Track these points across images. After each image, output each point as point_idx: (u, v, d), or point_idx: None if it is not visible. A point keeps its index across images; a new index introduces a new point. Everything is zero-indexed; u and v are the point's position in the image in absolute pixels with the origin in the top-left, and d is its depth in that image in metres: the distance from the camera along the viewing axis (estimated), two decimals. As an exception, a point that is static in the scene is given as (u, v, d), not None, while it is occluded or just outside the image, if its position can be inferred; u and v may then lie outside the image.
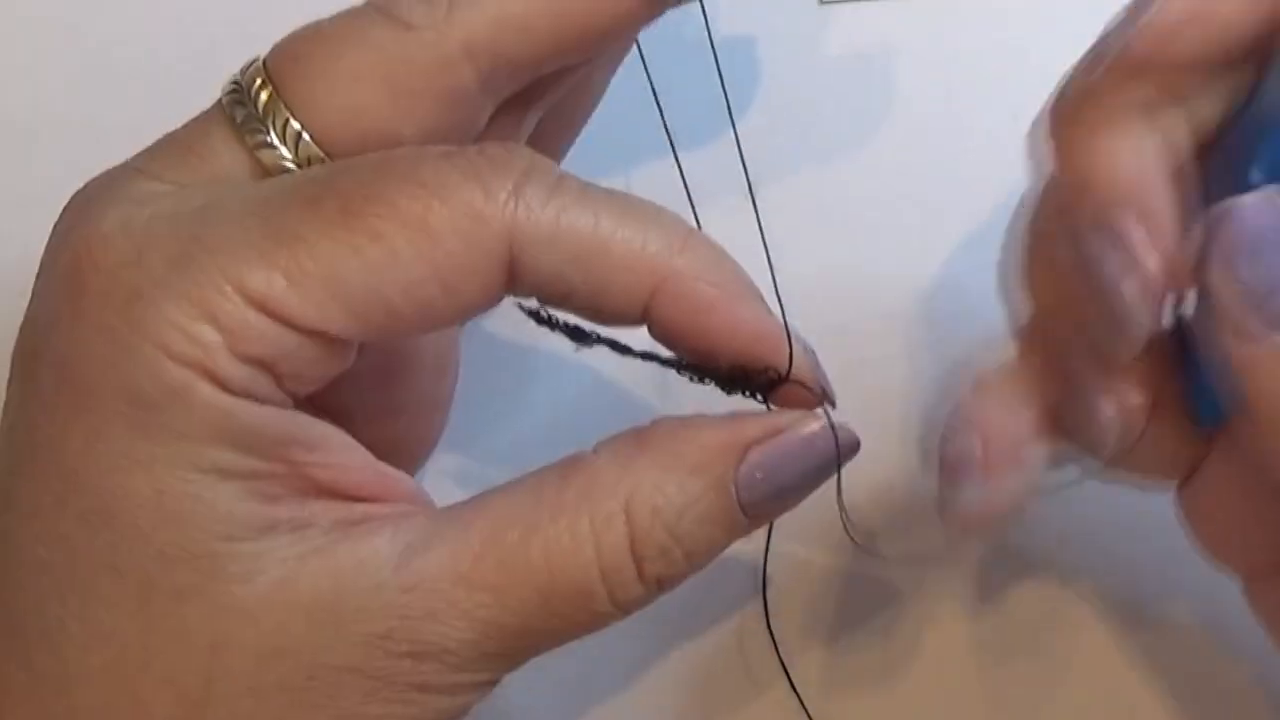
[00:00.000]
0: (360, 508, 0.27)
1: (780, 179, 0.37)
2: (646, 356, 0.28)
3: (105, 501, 0.25)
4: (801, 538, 0.35)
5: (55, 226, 0.27)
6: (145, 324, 0.25)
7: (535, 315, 0.28)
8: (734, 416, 0.28)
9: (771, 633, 0.34)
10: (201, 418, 0.25)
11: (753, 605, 0.35)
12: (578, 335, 0.28)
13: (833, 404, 0.29)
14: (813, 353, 0.29)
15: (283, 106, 0.27)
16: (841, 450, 0.28)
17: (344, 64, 0.27)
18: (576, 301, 0.27)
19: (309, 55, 0.28)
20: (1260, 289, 0.25)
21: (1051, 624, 0.35)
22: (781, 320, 0.28)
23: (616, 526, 0.27)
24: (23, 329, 0.27)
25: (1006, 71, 0.37)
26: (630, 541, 0.27)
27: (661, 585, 0.27)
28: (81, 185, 0.28)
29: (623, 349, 0.28)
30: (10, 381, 0.27)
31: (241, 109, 0.27)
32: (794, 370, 0.28)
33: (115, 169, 0.28)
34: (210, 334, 0.25)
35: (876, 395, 0.34)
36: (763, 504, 0.28)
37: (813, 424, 0.28)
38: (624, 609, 0.27)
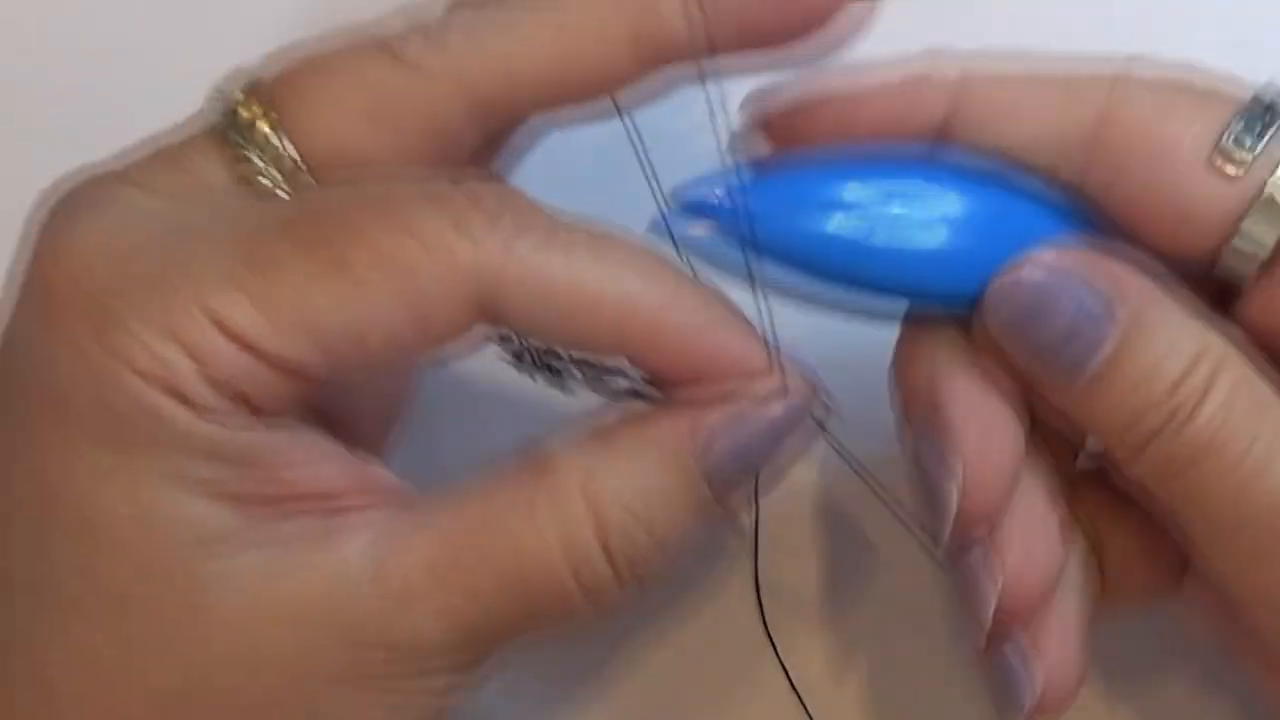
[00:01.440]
0: (334, 509, 0.27)
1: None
2: (634, 395, 0.29)
3: (84, 517, 0.25)
4: (799, 538, 0.35)
5: (36, 231, 0.27)
6: (119, 347, 0.25)
7: (516, 358, 0.29)
8: (689, 403, 0.28)
9: (770, 633, 0.34)
10: (175, 435, 0.25)
11: (752, 604, 0.35)
12: (550, 376, 0.29)
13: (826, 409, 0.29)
14: (802, 364, 0.29)
15: (270, 128, 0.27)
16: (799, 414, 0.28)
17: (335, 93, 0.28)
18: (551, 337, 0.27)
19: (304, 82, 0.28)
20: (1052, 344, 0.27)
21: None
22: (764, 332, 0.28)
23: (584, 522, 0.27)
24: (1, 343, 0.27)
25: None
26: (595, 529, 0.27)
27: (635, 570, 0.27)
28: (59, 182, 0.28)
29: (595, 378, 0.29)
30: None
31: (230, 125, 0.28)
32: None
33: (99, 176, 0.28)
34: (182, 359, 0.25)
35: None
36: (729, 479, 0.28)
37: (771, 400, 0.28)
38: (598, 604, 0.27)
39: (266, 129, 0.27)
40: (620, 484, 0.27)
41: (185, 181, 0.27)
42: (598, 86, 0.29)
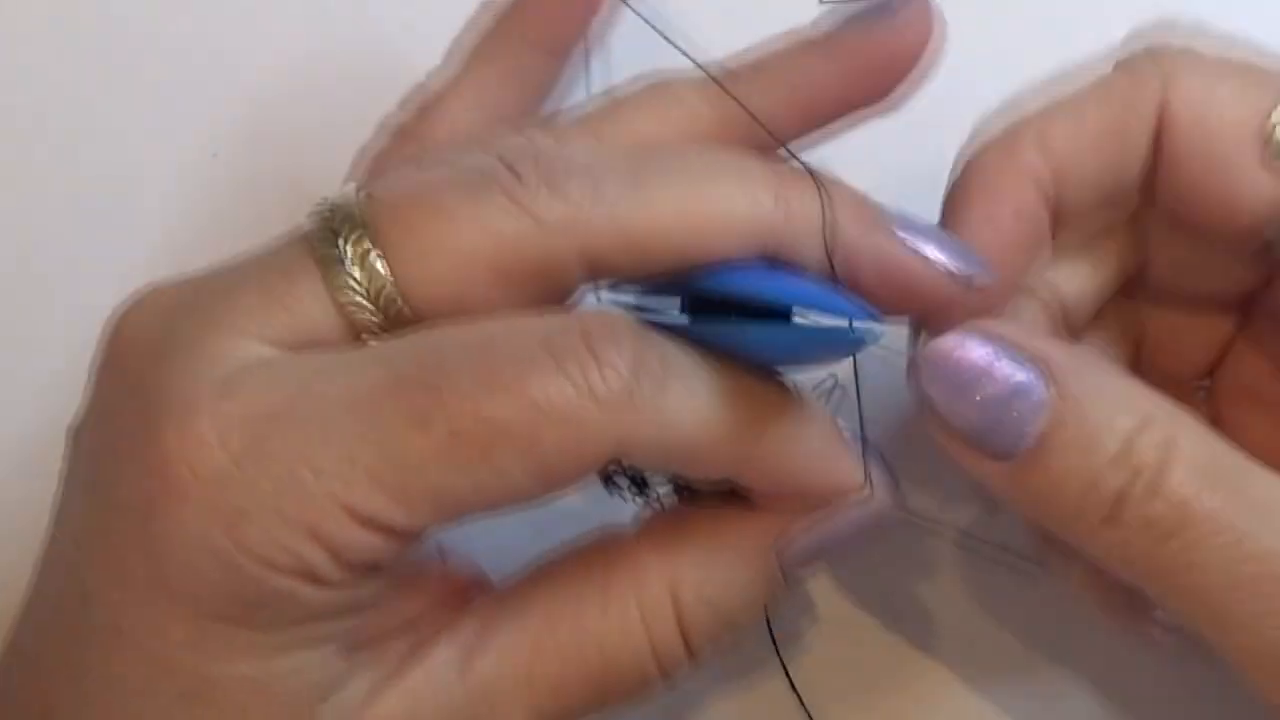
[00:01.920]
0: (425, 631, 0.27)
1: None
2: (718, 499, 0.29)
3: (205, 685, 0.25)
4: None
5: (129, 365, 0.26)
6: (252, 545, 0.24)
7: (605, 481, 0.29)
8: (767, 503, 0.29)
9: (771, 633, 0.34)
10: (304, 609, 0.25)
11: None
12: (642, 494, 0.30)
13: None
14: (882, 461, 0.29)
15: (382, 271, 0.26)
16: (879, 519, 0.29)
17: (457, 243, 0.26)
18: (665, 473, 0.28)
19: (422, 227, 0.26)
20: (990, 417, 0.27)
21: (1055, 622, 0.35)
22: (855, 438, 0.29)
23: (665, 614, 0.28)
24: (91, 490, 0.26)
25: (1007, 71, 0.37)
26: (680, 627, 0.28)
27: (709, 653, 0.29)
28: (144, 296, 0.27)
29: (689, 496, 0.30)
30: (74, 531, 0.26)
31: (333, 258, 0.26)
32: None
33: (197, 309, 0.26)
34: (316, 550, 0.25)
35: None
36: (802, 571, 0.29)
37: (858, 510, 0.29)
38: (672, 681, 0.29)
39: (376, 267, 0.26)
40: (704, 580, 0.28)
41: (288, 321, 0.26)
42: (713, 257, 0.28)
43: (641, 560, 0.28)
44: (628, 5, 0.34)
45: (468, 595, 0.28)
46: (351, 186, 0.27)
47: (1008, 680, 0.34)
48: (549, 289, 0.27)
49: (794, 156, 0.29)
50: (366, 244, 0.26)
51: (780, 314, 0.26)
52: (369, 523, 0.25)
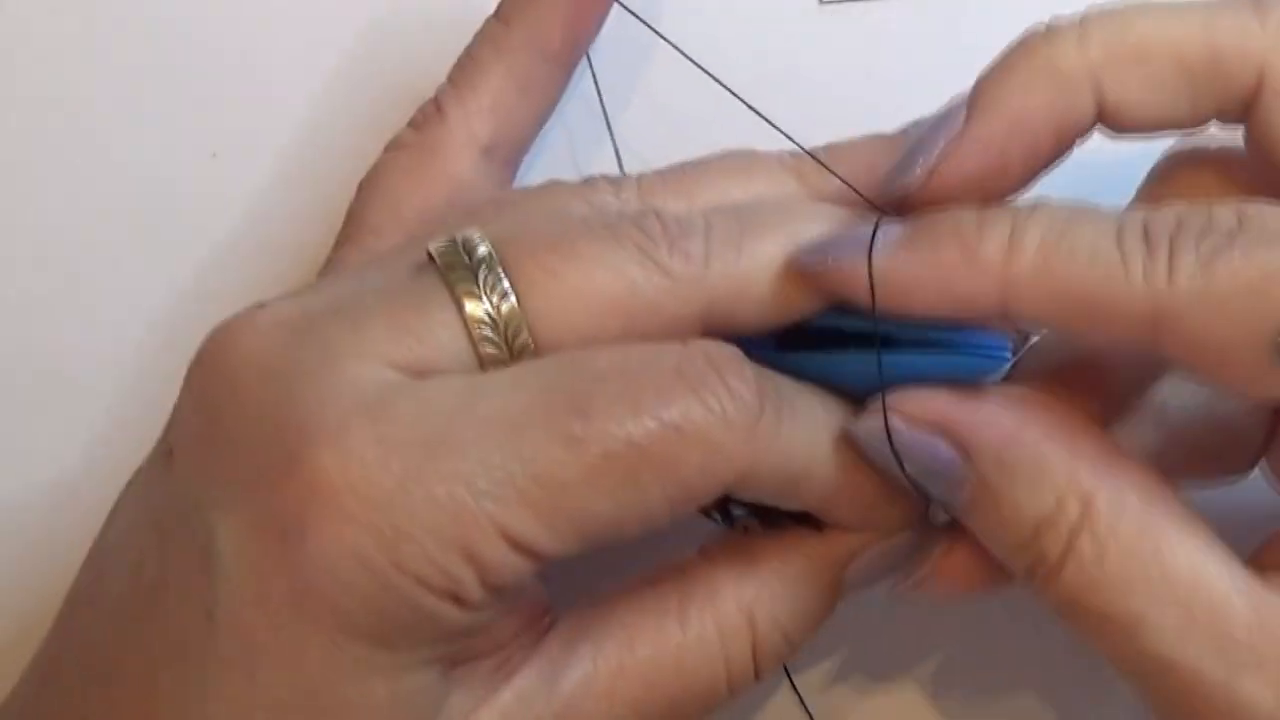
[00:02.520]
0: (511, 649, 0.28)
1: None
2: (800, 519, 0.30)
3: (340, 707, 0.26)
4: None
5: (252, 385, 0.26)
6: (410, 563, 0.25)
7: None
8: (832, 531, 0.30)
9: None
10: (442, 629, 0.26)
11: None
12: (726, 519, 0.30)
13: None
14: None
15: (515, 305, 0.27)
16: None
17: (595, 291, 0.27)
18: (767, 501, 0.29)
19: (562, 272, 0.27)
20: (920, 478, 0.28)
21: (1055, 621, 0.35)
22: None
23: (741, 636, 0.29)
24: (213, 498, 0.26)
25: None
26: (753, 648, 0.29)
27: (770, 670, 0.30)
28: (248, 321, 0.27)
29: (769, 519, 0.30)
30: (184, 543, 0.26)
31: (470, 289, 0.27)
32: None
33: (322, 331, 0.27)
34: (468, 571, 0.25)
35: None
36: (858, 590, 0.31)
37: (906, 535, 0.30)
38: (737, 698, 0.30)
39: (514, 309, 0.27)
40: (777, 603, 0.29)
41: (421, 354, 0.27)
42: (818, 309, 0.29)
43: (717, 582, 0.29)
44: (625, 8, 0.34)
45: (545, 619, 0.29)
46: (473, 229, 0.28)
47: (1011, 678, 0.34)
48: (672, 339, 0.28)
49: (873, 205, 0.30)
50: (503, 278, 0.27)
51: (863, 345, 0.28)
52: (519, 545, 0.25)
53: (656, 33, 0.34)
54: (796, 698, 0.34)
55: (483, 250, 0.27)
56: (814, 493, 0.29)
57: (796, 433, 0.28)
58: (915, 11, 0.37)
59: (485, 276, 0.27)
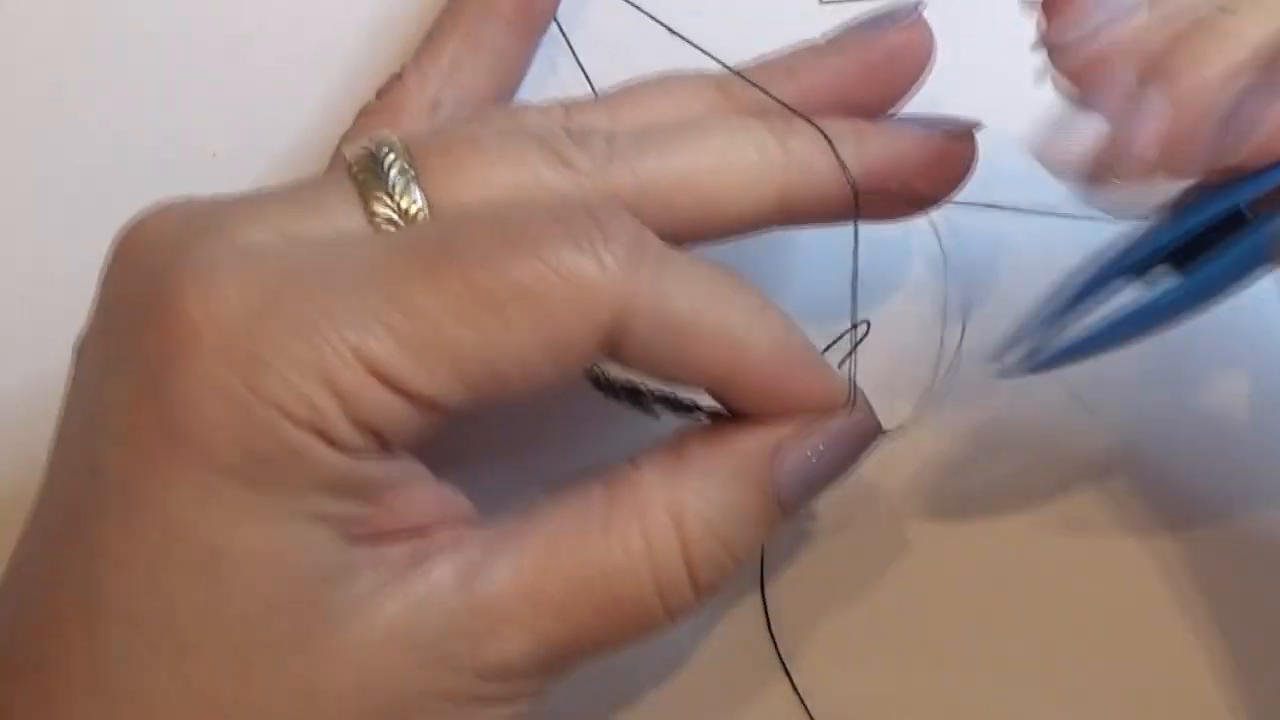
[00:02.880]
0: (425, 543, 0.27)
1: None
2: (712, 414, 0.30)
3: (212, 554, 0.25)
4: (802, 537, 0.35)
5: (143, 259, 0.27)
6: (266, 388, 0.25)
7: (595, 381, 0.29)
8: (763, 421, 0.29)
9: (772, 633, 0.34)
10: (311, 471, 0.25)
11: (753, 605, 0.35)
12: (637, 403, 0.30)
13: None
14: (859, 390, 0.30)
15: (419, 195, 0.28)
16: (867, 437, 0.30)
17: (497, 175, 0.28)
18: (656, 371, 0.28)
19: (462, 159, 0.28)
20: None
21: (1057, 621, 0.35)
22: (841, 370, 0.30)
23: (668, 538, 0.28)
24: (104, 372, 0.26)
25: (1007, 71, 0.37)
26: (683, 551, 0.28)
27: (712, 590, 0.29)
28: (164, 210, 0.28)
29: (683, 409, 0.30)
30: (81, 417, 0.27)
31: (374, 178, 0.28)
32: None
33: (219, 209, 0.27)
34: (330, 400, 0.25)
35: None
36: (798, 497, 0.29)
37: (841, 419, 0.29)
38: (675, 618, 0.28)
39: (414, 191, 0.28)
40: (702, 501, 0.28)
41: (318, 226, 0.27)
42: (740, 227, 0.30)
43: (643, 484, 0.28)
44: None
45: (465, 522, 0.28)
46: (391, 134, 0.29)
47: (1011, 678, 0.34)
48: None
49: (792, 110, 0.31)
50: (409, 169, 0.28)
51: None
52: (382, 375, 0.25)
53: (647, 13, 0.34)
54: (797, 698, 0.34)
55: (394, 142, 0.28)
56: (708, 357, 0.28)
57: (684, 285, 0.27)
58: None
59: (392, 164, 0.28)
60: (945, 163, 0.31)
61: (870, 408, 0.30)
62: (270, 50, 0.39)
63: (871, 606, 0.35)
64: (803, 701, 0.34)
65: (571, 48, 0.37)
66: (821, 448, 0.29)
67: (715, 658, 0.35)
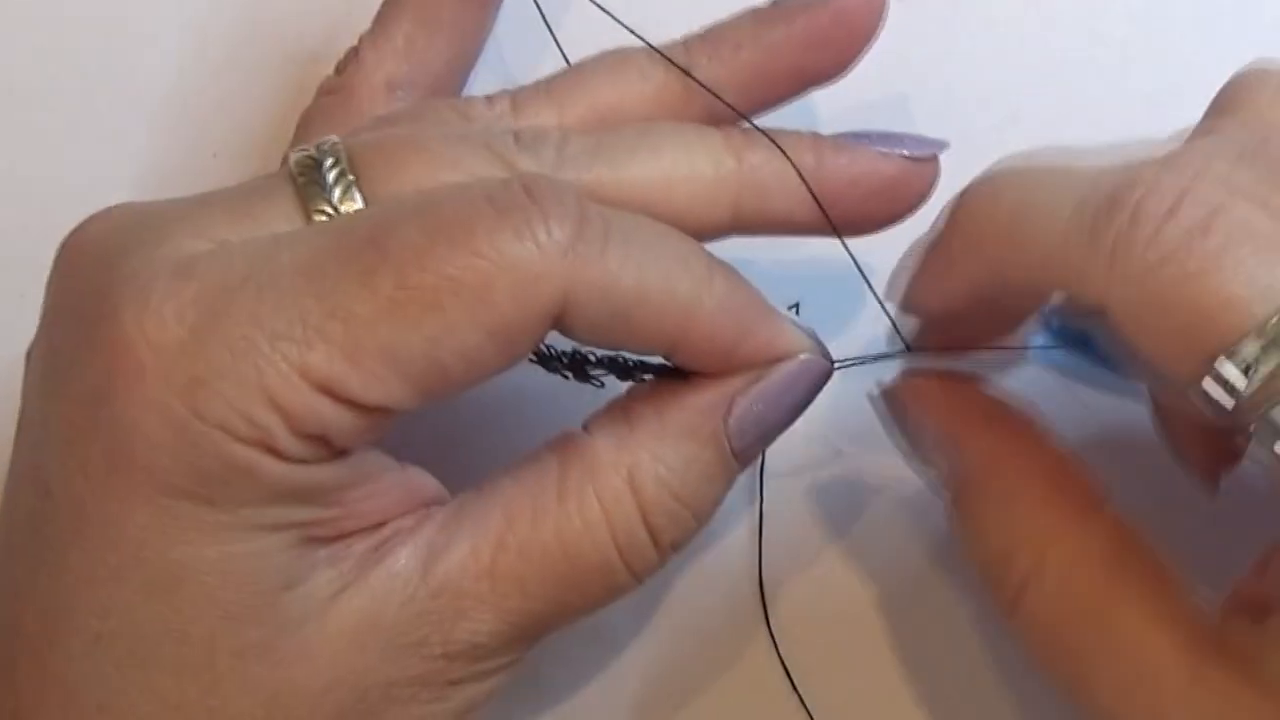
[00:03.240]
0: (387, 530, 0.27)
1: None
2: (660, 370, 0.30)
3: (171, 571, 0.25)
4: (802, 537, 0.35)
5: (83, 268, 0.27)
6: (210, 411, 0.25)
7: (536, 355, 0.29)
8: (713, 377, 0.29)
9: (771, 632, 0.34)
10: (262, 485, 0.25)
11: (754, 603, 0.35)
12: (580, 374, 0.30)
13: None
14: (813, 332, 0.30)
15: (359, 199, 0.27)
16: (818, 377, 0.30)
17: (434, 179, 0.27)
18: (606, 343, 0.28)
19: (405, 162, 0.28)
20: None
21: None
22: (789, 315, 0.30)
23: (625, 501, 0.28)
24: (48, 389, 0.26)
25: (1007, 72, 0.37)
26: (641, 513, 0.28)
27: (675, 548, 0.29)
28: (101, 216, 0.28)
29: (624, 372, 0.30)
30: (30, 436, 0.27)
31: (314, 183, 0.27)
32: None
33: (159, 216, 0.27)
34: (272, 416, 0.25)
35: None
36: (753, 446, 0.29)
37: (790, 364, 0.29)
38: (641, 578, 0.28)
39: (354, 195, 0.27)
40: (657, 462, 0.28)
41: (257, 232, 0.27)
42: (692, 236, 0.29)
43: (594, 449, 0.28)
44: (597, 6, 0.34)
45: (429, 506, 0.28)
46: (334, 138, 0.28)
47: (1012, 678, 0.34)
48: None
49: (744, 118, 0.31)
50: (347, 173, 0.27)
51: None
52: (324, 386, 0.25)
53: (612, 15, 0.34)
54: (797, 698, 0.34)
55: (335, 146, 0.28)
56: (656, 327, 0.27)
57: (629, 258, 0.27)
58: (915, 12, 0.37)
59: (331, 168, 0.27)
60: (904, 185, 0.31)
61: (821, 347, 0.30)
62: (271, 50, 0.39)
63: (874, 605, 0.35)
64: (802, 702, 0.34)
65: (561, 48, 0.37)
66: (774, 396, 0.29)
67: (715, 656, 0.35)
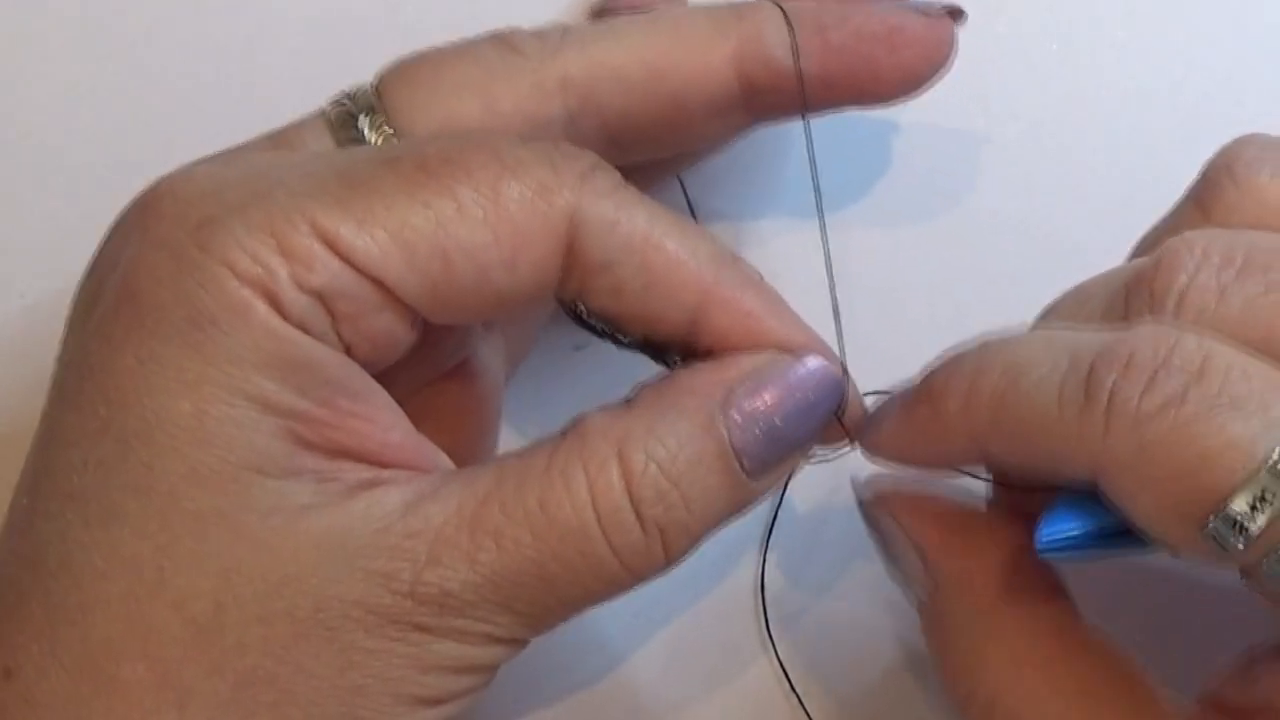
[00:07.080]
0: (385, 473, 0.27)
1: (781, 178, 0.37)
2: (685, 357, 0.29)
3: (147, 421, 0.25)
4: (800, 534, 0.35)
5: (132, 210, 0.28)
6: (214, 243, 0.26)
7: (573, 314, 0.28)
8: (715, 366, 0.28)
9: (770, 632, 0.34)
10: (256, 340, 0.26)
11: (753, 604, 0.35)
12: (614, 337, 0.29)
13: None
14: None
15: (380, 109, 0.29)
16: (828, 388, 0.28)
17: (448, 75, 0.30)
18: (625, 300, 0.28)
19: (416, 70, 0.30)
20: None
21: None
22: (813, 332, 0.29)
23: (610, 469, 0.27)
24: (91, 268, 0.28)
25: (1013, 74, 0.37)
26: (625, 483, 0.27)
27: (665, 534, 0.27)
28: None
29: (659, 350, 0.29)
30: (69, 323, 0.27)
31: (341, 111, 0.29)
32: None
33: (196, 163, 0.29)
34: (276, 258, 0.26)
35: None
36: (758, 451, 0.28)
37: (795, 361, 0.28)
38: (629, 563, 0.27)
39: (375, 108, 0.29)
40: (648, 436, 0.27)
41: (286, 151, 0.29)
42: (694, 114, 0.30)
43: (591, 424, 0.28)
44: None
45: (431, 468, 0.28)
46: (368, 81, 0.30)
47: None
48: (535, 127, 0.30)
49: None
50: (371, 94, 0.30)
51: None
52: (329, 239, 0.26)
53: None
54: (796, 698, 0.34)
55: (366, 96, 0.30)
56: (676, 282, 0.27)
57: (641, 203, 0.28)
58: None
59: (355, 94, 0.30)
60: (917, 47, 0.30)
61: (833, 359, 0.29)
62: (271, 51, 0.39)
63: (872, 605, 0.35)
64: (802, 702, 0.34)
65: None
66: (776, 395, 0.28)
67: (714, 656, 0.35)
